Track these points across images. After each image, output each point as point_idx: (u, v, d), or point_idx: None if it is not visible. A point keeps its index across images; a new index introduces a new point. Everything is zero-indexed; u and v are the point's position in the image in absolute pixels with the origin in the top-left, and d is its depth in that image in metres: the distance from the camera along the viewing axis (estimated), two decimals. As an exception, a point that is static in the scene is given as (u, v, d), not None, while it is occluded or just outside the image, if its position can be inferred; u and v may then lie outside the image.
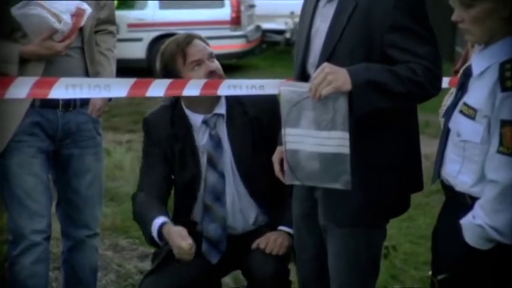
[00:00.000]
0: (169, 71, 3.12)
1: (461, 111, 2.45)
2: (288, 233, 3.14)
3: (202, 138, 3.20)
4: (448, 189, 2.51)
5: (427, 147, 3.83)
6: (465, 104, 2.44)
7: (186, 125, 3.21)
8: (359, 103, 2.50)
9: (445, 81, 3.37)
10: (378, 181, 2.67)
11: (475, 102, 2.40)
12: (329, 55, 2.64)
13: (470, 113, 2.41)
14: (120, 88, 2.64)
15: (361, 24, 2.58)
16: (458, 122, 2.46)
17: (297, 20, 2.86)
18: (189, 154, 3.21)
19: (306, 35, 2.78)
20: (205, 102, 3.16)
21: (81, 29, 3.21)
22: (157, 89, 2.66)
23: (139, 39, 11.79)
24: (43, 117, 3.22)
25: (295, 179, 2.66)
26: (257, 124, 3.21)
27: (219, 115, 3.20)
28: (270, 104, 3.13)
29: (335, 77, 2.48)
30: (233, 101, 3.21)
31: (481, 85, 2.41)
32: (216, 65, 3.16)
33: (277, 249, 3.08)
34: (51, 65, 3.15)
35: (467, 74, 2.52)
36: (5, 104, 3.05)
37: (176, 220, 3.13)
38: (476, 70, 2.46)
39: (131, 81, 2.64)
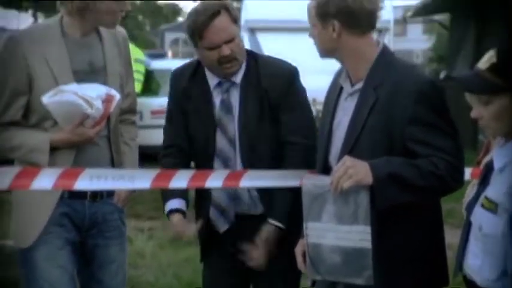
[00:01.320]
0: (190, 38, 3.18)
1: (482, 205, 2.45)
2: (278, 227, 3.10)
3: (216, 100, 3.23)
4: (471, 284, 2.49)
5: (450, 237, 3.78)
6: (486, 197, 2.44)
7: (203, 84, 3.25)
8: (381, 197, 2.50)
9: (467, 172, 3.36)
10: (401, 276, 2.64)
11: (496, 196, 2.40)
12: (351, 148, 2.66)
13: (492, 207, 2.41)
14: (143, 180, 2.67)
15: (382, 118, 2.61)
16: (480, 215, 2.45)
17: (319, 107, 2.93)
18: (204, 110, 3.23)
19: (328, 128, 2.81)
20: (221, 75, 3.21)
21: (107, 118, 3.21)
22: (180, 180, 2.69)
23: (162, 126, 11.89)
24: (71, 207, 3.19)
25: (317, 273, 2.64)
26: (267, 96, 3.20)
27: (233, 82, 3.23)
28: (284, 79, 3.19)
29: (356, 171, 2.49)
30: (251, 69, 3.23)
31: (502, 179, 2.42)
32: (232, 47, 3.12)
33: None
34: (80, 154, 3.14)
35: (489, 167, 2.53)
36: (35, 194, 3.03)
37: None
38: (497, 164, 2.47)
39: (154, 172, 2.67)
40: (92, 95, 3.06)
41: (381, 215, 2.56)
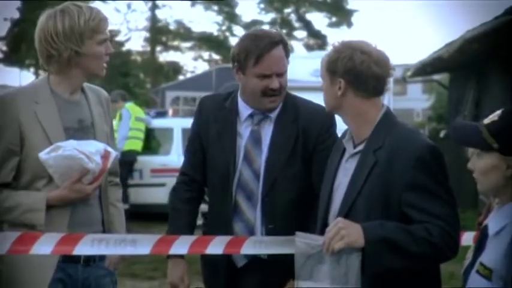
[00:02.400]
0: (239, 61, 3.15)
1: (478, 271, 2.43)
2: None
3: (244, 131, 3.21)
4: None
5: (452, 300, 3.76)
6: (481, 264, 2.42)
7: (232, 114, 3.24)
8: (371, 261, 2.48)
9: (469, 237, 3.34)
10: None
11: (491, 263, 2.38)
12: (348, 210, 2.66)
13: (486, 274, 2.39)
14: (144, 244, 2.65)
15: (380, 181, 2.61)
16: (476, 282, 2.43)
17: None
18: (228, 138, 3.21)
19: (329, 188, 2.82)
20: (258, 104, 3.19)
21: None
22: (181, 246, 2.67)
23: (162, 185, 11.86)
24: (65, 272, 3.14)
25: None
26: (303, 135, 3.19)
27: (267, 116, 3.21)
28: (325, 119, 3.17)
29: (348, 232, 2.48)
30: (289, 107, 3.22)
31: (497, 244, 2.40)
32: (281, 82, 3.15)
33: None
34: (74, 215, 3.11)
35: (485, 232, 2.51)
36: (33, 260, 2.96)
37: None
38: (492, 229, 2.46)
39: (156, 237, 2.66)
40: (91, 150, 3.07)
41: (376, 280, 2.53)
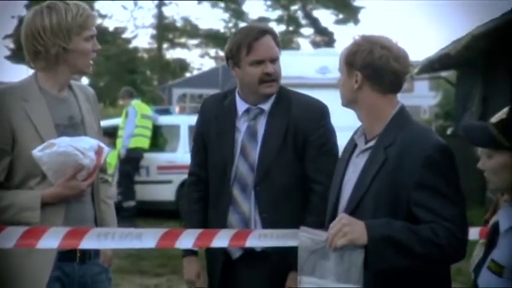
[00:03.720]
0: (232, 56, 3.31)
1: (489, 268, 2.42)
2: None
3: (242, 127, 3.33)
4: None
5: (459, 296, 3.75)
6: (493, 260, 2.42)
7: (230, 111, 3.35)
8: (373, 259, 2.47)
9: (476, 231, 3.34)
10: None
11: (502, 259, 2.38)
12: (355, 206, 2.65)
13: (498, 270, 2.38)
14: (150, 238, 2.66)
15: (389, 179, 2.59)
16: (487, 278, 2.42)
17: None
18: (226, 134, 3.32)
19: (338, 183, 2.82)
20: (255, 95, 3.31)
21: None
22: (187, 240, 2.68)
23: (168, 182, 11.87)
24: (62, 271, 3.11)
25: None
26: (294, 125, 3.28)
27: (262, 110, 3.32)
28: (316, 111, 3.29)
29: (351, 229, 2.48)
30: (282, 98, 3.33)
31: (508, 241, 2.39)
32: (275, 68, 3.28)
33: None
34: (68, 212, 3.09)
35: (496, 228, 2.51)
36: (31, 259, 2.97)
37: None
38: (503, 226, 2.45)
39: (161, 231, 2.66)
40: (85, 147, 3.07)
41: (383, 279, 2.53)
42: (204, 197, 3.49)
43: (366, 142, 2.77)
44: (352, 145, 2.86)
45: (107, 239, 2.63)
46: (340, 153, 3.01)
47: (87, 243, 2.57)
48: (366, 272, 2.48)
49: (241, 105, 3.37)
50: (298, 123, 3.28)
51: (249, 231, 2.86)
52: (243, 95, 3.37)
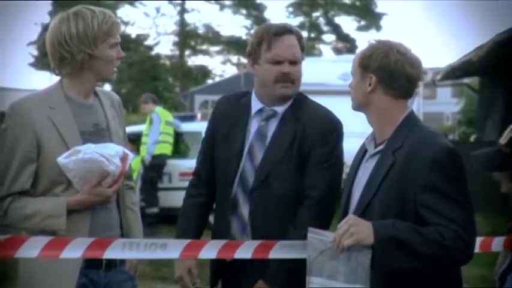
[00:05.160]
0: (254, 51, 3.23)
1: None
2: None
3: (253, 127, 3.25)
4: None
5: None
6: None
7: (244, 111, 3.28)
8: (380, 259, 2.49)
9: (500, 242, 3.31)
10: None
11: None
12: (364, 209, 2.67)
13: None
14: (174, 248, 2.67)
15: (397, 181, 2.61)
16: (513, 286, 2.42)
17: (347, 170, 2.92)
18: (236, 132, 3.25)
19: (349, 188, 2.84)
20: (271, 95, 3.22)
21: None
22: (210, 251, 2.70)
23: (191, 189, 11.89)
24: (87, 278, 3.12)
25: None
26: (302, 135, 3.17)
27: (275, 112, 3.23)
28: (327, 126, 3.17)
29: (358, 230, 2.50)
30: (298, 103, 3.24)
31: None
32: (294, 69, 3.19)
33: None
34: (96, 219, 3.10)
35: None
36: (57, 267, 2.98)
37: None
38: None
39: (185, 242, 2.68)
40: (110, 153, 3.07)
41: (392, 280, 2.54)
42: (200, 202, 3.43)
43: (376, 146, 2.78)
44: (363, 150, 2.88)
45: (132, 249, 2.64)
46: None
47: (111, 253, 2.58)
48: (373, 272, 2.50)
49: (255, 105, 3.28)
50: (306, 135, 3.17)
51: (273, 243, 2.84)
52: (258, 94, 3.29)
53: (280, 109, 3.24)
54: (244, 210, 3.22)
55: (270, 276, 3.08)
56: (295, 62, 3.20)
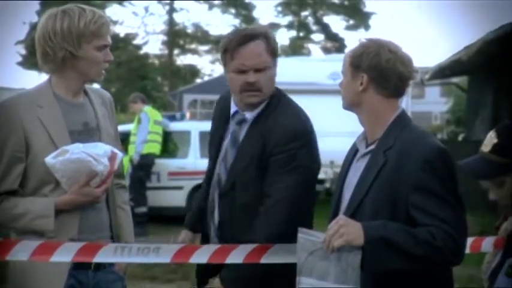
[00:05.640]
0: (221, 58, 3.14)
1: (506, 274, 2.42)
2: None
3: (230, 129, 3.20)
4: None
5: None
6: (510, 266, 2.41)
7: (228, 110, 3.23)
8: (370, 260, 2.47)
9: (490, 242, 3.31)
10: None
11: None
12: (355, 209, 2.66)
13: None
14: (166, 253, 2.65)
15: (389, 181, 2.60)
16: (504, 284, 2.41)
17: (336, 170, 2.88)
18: (217, 135, 3.24)
19: (340, 187, 2.83)
20: (240, 104, 3.16)
21: None
22: (201, 256, 2.68)
23: (179, 188, 11.88)
24: (76, 279, 3.09)
25: None
26: (264, 141, 3.04)
27: (246, 117, 3.14)
28: (290, 133, 3.01)
29: (348, 230, 2.48)
30: (269, 108, 3.11)
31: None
32: (259, 77, 3.03)
33: None
34: (85, 220, 3.07)
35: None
36: (45, 268, 2.95)
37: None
38: None
39: (177, 247, 2.68)
40: (98, 153, 3.04)
41: (378, 280, 2.53)
42: (203, 197, 3.38)
43: (367, 146, 2.77)
44: (353, 150, 2.86)
45: (123, 253, 2.63)
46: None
47: (103, 257, 2.56)
48: (364, 273, 2.48)
49: (233, 107, 3.21)
50: (268, 140, 3.05)
51: (271, 247, 2.83)
52: (233, 98, 3.21)
53: (250, 115, 3.14)
54: (216, 214, 3.20)
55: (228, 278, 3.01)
56: (260, 70, 3.05)
